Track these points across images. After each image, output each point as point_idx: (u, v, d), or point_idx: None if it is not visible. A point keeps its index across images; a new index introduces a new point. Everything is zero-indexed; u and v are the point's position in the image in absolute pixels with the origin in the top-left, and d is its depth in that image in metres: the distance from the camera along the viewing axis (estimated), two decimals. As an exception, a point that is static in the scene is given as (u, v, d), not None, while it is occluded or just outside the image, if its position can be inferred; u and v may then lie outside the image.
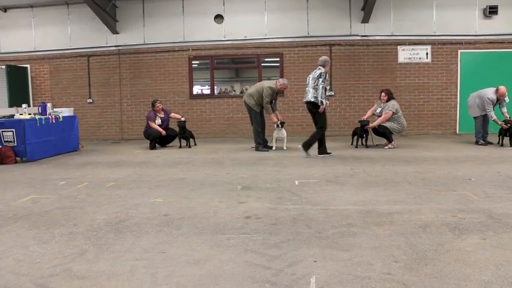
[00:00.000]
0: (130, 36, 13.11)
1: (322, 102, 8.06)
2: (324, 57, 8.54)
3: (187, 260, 3.04)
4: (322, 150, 8.39)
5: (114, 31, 13.02)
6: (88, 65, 13.25)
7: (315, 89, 8.11)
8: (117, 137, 13.32)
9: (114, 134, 13.38)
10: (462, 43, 12.42)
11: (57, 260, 3.09)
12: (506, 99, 9.63)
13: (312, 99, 8.17)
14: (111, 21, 12.79)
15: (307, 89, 8.33)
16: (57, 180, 6.33)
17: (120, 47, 13.14)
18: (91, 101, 13.32)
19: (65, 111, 10.15)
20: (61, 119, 9.66)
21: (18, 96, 12.47)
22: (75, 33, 13.25)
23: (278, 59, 12.87)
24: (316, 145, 8.42)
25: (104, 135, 13.37)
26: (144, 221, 4.04)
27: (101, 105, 13.36)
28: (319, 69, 8.21)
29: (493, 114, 9.55)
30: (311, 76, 8.28)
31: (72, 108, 11.01)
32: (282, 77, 12.22)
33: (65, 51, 13.29)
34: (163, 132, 10.30)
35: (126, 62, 13.17)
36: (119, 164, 8.01)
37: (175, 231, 3.71)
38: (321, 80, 8.07)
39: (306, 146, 8.29)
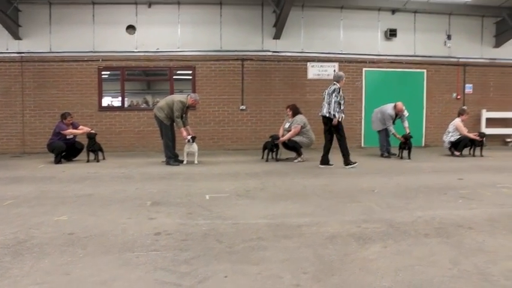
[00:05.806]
0: (35, 43, 12.35)
1: (335, 115, 8.56)
2: (338, 72, 9.27)
3: (93, 281, 2.92)
4: (325, 160, 9.02)
5: (17, 37, 12.20)
6: (-15, 72, 12.31)
7: (329, 103, 8.58)
8: (18, 151, 12.42)
9: (14, 147, 12.47)
10: (366, 62, 13.25)
11: None
12: (406, 113, 10.38)
13: (327, 114, 8.65)
14: (12, 26, 11.97)
15: (323, 103, 8.76)
16: None
17: (23, 54, 12.33)
18: (-12, 111, 12.36)
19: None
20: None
21: None
22: (-30, 37, 12.25)
23: (190, 72, 12.81)
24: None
25: (2, 149, 12.39)
26: (47, 241, 3.81)
27: (0, 116, 12.43)
28: (334, 84, 8.72)
29: (392, 129, 10.24)
30: (326, 91, 8.77)
31: (-34, 119, 10.13)
32: (194, 90, 12.23)
33: (-43, 57, 12.23)
34: (82, 132, 9.97)
35: (29, 71, 12.38)
36: (19, 179, 7.48)
37: (80, 251, 3.54)
38: (333, 95, 8.52)
39: (346, 160, 8.88)
